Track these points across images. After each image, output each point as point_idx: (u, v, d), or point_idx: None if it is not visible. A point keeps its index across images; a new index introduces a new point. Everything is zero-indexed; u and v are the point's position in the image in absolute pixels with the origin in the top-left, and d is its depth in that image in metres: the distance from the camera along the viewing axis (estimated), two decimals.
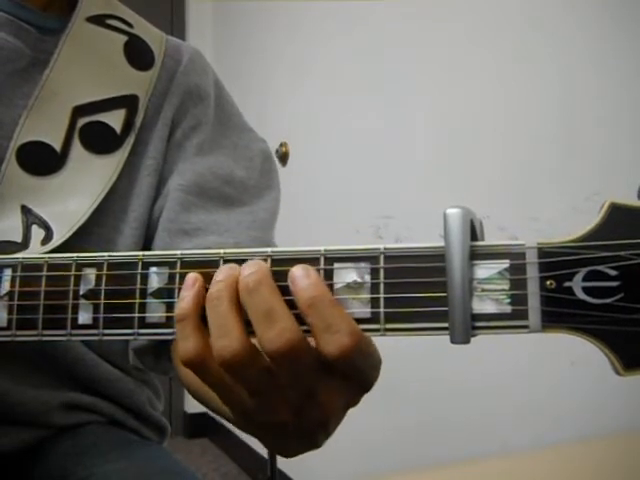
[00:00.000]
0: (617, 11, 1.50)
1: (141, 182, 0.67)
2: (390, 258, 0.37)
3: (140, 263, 0.41)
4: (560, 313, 0.34)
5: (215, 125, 0.71)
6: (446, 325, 0.35)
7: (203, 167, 0.67)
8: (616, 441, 1.37)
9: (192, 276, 0.39)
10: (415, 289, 0.36)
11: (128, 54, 0.69)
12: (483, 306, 0.35)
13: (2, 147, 0.62)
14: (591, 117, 1.54)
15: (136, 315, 0.40)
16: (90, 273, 0.42)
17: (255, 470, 2.33)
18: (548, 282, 0.34)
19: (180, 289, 0.39)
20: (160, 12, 2.89)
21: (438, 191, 1.59)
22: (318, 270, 0.37)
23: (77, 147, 0.64)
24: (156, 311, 0.40)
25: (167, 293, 0.40)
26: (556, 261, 0.34)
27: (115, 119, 0.66)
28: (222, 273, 0.37)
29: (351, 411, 0.41)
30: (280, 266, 0.38)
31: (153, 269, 0.40)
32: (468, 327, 0.35)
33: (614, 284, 0.33)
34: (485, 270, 0.35)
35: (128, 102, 0.67)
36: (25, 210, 0.61)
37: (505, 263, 0.35)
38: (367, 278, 0.37)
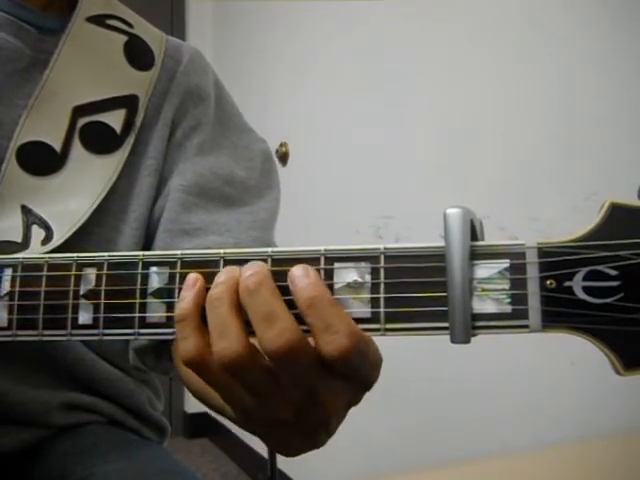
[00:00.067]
0: (617, 11, 1.50)
1: (141, 182, 0.67)
2: (390, 258, 0.37)
3: (140, 263, 0.41)
4: (560, 313, 0.34)
5: (215, 125, 0.71)
6: (446, 325, 0.35)
7: (203, 167, 0.68)
8: (616, 441, 1.37)
9: (193, 276, 0.39)
10: (415, 289, 0.36)
11: (128, 54, 0.69)
12: (483, 306, 0.35)
13: (2, 147, 0.62)
14: (591, 117, 1.54)
15: (136, 315, 0.40)
16: (90, 273, 0.42)
17: (255, 470, 2.33)
18: (548, 282, 0.34)
19: (180, 289, 0.39)
20: (160, 12, 2.89)
21: (438, 191, 1.59)
22: (318, 270, 0.37)
23: (77, 147, 0.64)
24: (156, 311, 0.40)
25: (167, 293, 0.40)
26: (556, 261, 0.34)
27: (115, 119, 0.66)
28: (223, 275, 0.37)
29: (351, 411, 0.41)
30: (280, 266, 0.38)
31: (153, 269, 0.40)
32: (468, 327, 0.35)
33: (614, 284, 0.33)
34: (485, 270, 0.35)
35: (128, 102, 0.67)
36: (25, 210, 0.61)
37: (505, 263, 0.35)
38: (367, 278, 0.37)
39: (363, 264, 0.37)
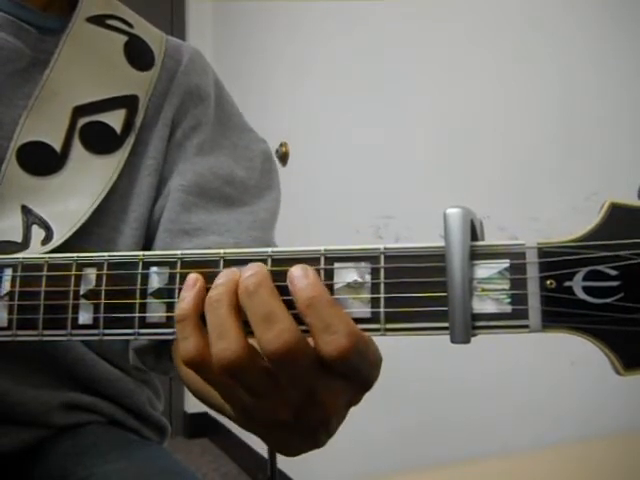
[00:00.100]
0: (617, 11, 1.50)
1: (141, 182, 0.67)
2: (390, 258, 0.37)
3: (140, 263, 0.41)
4: (560, 313, 0.34)
5: (215, 125, 0.71)
6: (446, 325, 0.35)
7: (203, 167, 0.68)
8: (616, 441, 1.38)
9: (193, 276, 0.39)
10: (415, 289, 0.36)
11: (128, 54, 0.69)
12: (483, 306, 0.35)
13: (2, 147, 0.62)
14: (591, 117, 1.54)
15: (136, 315, 0.40)
16: (90, 273, 0.42)
17: (255, 470, 2.33)
18: (548, 282, 0.34)
19: (180, 289, 0.39)
20: (160, 12, 2.89)
21: (438, 191, 1.59)
22: (318, 270, 0.37)
23: (77, 147, 0.64)
24: (156, 311, 0.40)
25: (167, 293, 0.40)
26: (556, 261, 0.34)
27: (115, 119, 0.66)
28: (223, 276, 0.37)
29: (351, 411, 0.41)
30: (280, 266, 0.38)
31: (153, 269, 0.40)
32: (468, 327, 0.35)
33: (614, 284, 0.33)
34: (485, 270, 0.35)
35: (128, 102, 0.67)
36: (25, 210, 0.61)
37: (505, 263, 0.35)
38: (367, 278, 0.37)
39: (363, 264, 0.37)
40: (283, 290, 0.37)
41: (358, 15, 1.83)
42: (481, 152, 1.62)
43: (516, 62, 1.59)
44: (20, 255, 0.44)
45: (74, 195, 0.63)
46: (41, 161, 0.63)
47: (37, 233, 0.60)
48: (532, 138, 1.58)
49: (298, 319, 0.36)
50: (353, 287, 0.37)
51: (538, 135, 1.58)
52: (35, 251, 0.57)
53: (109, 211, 0.65)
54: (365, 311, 0.37)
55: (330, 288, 0.37)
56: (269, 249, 0.38)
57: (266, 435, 0.42)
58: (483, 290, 0.35)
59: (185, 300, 0.38)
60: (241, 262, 0.39)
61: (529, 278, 0.35)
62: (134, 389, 0.70)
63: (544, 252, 0.35)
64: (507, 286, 0.35)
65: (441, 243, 0.36)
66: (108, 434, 0.68)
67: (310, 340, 0.36)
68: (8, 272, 0.44)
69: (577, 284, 0.34)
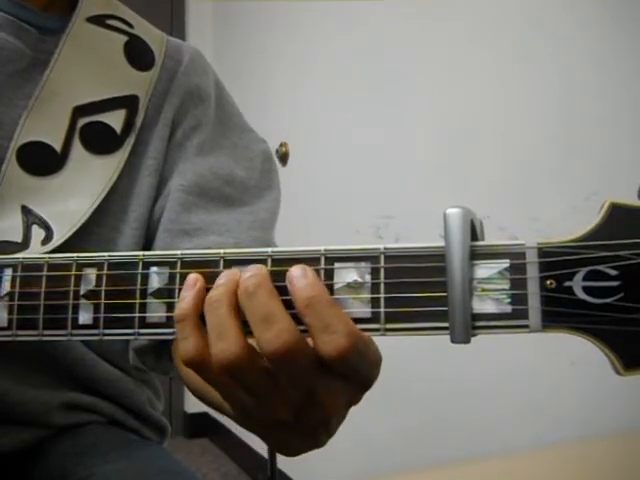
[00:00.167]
0: (617, 11, 1.50)
1: (141, 182, 0.67)
2: (390, 258, 0.37)
3: (140, 263, 0.41)
4: (560, 313, 0.34)
5: (215, 125, 0.71)
6: (446, 325, 0.35)
7: (204, 167, 0.68)
8: (616, 441, 1.38)
9: (193, 276, 0.39)
10: (415, 289, 0.36)
11: (128, 54, 0.69)
12: (483, 306, 0.35)
13: (2, 147, 0.62)
14: (591, 117, 1.54)
15: (136, 315, 0.40)
16: (90, 273, 0.42)
17: (255, 470, 2.33)
18: (548, 282, 0.34)
19: (180, 289, 0.39)
20: (160, 12, 2.89)
21: (438, 191, 1.59)
22: (318, 270, 0.37)
23: (77, 147, 0.64)
24: (156, 311, 0.40)
25: (167, 293, 0.40)
26: (556, 261, 0.34)
27: (115, 119, 0.66)
28: (223, 277, 0.38)
29: (351, 411, 0.41)
30: (280, 266, 0.38)
31: (153, 269, 0.40)
32: (468, 327, 0.35)
33: (614, 284, 0.33)
34: (485, 270, 0.35)
35: (128, 102, 0.67)
36: (25, 210, 0.61)
37: (505, 263, 0.35)
38: (367, 278, 0.37)
39: (363, 264, 0.37)
40: (283, 290, 0.37)
41: (358, 15, 1.84)
42: (481, 152, 1.62)
43: (516, 62, 1.59)
44: (20, 255, 0.44)
45: (74, 195, 0.63)
46: (41, 161, 0.63)
47: (37, 233, 0.60)
48: (532, 138, 1.58)
49: (297, 319, 0.36)
50: (353, 287, 0.37)
51: (538, 135, 1.58)
52: (35, 251, 0.57)
53: (109, 211, 0.65)
54: (365, 311, 0.37)
55: (330, 288, 0.37)
56: (269, 249, 0.38)
57: (266, 435, 0.42)
58: (483, 290, 0.35)
59: (185, 300, 0.38)
60: (241, 262, 0.39)
61: (529, 278, 0.35)
62: (134, 389, 0.70)
63: (544, 252, 0.35)
64: (507, 286, 0.35)
65: (441, 243, 0.36)
66: (108, 434, 0.68)
67: (309, 340, 0.36)
68: (8, 272, 0.44)
69: (577, 284, 0.34)
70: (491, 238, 0.36)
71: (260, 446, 2.14)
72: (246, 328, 0.37)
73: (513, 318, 0.35)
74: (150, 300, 0.40)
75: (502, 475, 1.35)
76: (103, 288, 0.41)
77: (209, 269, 0.39)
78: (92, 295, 0.41)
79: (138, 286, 0.40)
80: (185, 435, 2.91)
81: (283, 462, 1.67)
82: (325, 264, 0.37)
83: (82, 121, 0.65)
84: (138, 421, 0.72)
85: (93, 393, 0.67)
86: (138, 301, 0.40)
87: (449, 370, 1.58)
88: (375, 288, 0.37)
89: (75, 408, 0.66)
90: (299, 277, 0.36)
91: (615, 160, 1.51)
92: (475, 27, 1.63)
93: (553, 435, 1.52)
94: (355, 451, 1.64)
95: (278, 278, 0.37)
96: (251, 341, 0.37)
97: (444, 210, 0.36)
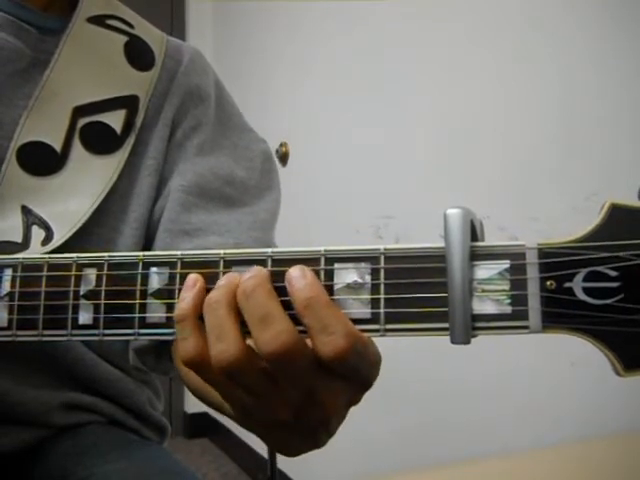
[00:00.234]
0: (617, 11, 1.50)
1: (141, 182, 0.67)
2: (390, 258, 0.37)
3: (140, 263, 0.41)
4: (560, 314, 0.34)
5: (215, 125, 0.71)
6: (446, 325, 0.35)
7: (204, 167, 0.68)
8: (616, 441, 1.38)
9: (193, 277, 0.39)
10: (415, 289, 0.36)
11: (128, 54, 0.69)
12: (483, 306, 0.35)
13: (2, 147, 0.62)
14: (591, 117, 1.54)
15: (136, 315, 0.40)
16: (90, 273, 0.42)
17: (255, 470, 2.33)
18: (548, 282, 0.34)
19: (180, 289, 0.39)
20: (160, 12, 2.89)
21: (438, 191, 1.59)
22: (318, 270, 0.37)
23: (77, 147, 0.64)
24: (156, 311, 0.40)
25: (167, 293, 0.40)
26: (556, 262, 0.34)
27: (115, 119, 0.66)
28: (223, 279, 0.38)
29: (351, 411, 0.41)
30: (280, 266, 0.38)
31: (153, 269, 0.41)
32: (468, 327, 0.35)
33: (614, 285, 0.33)
34: (485, 270, 0.35)
35: (128, 102, 0.67)
36: (25, 210, 0.61)
37: (505, 263, 0.35)
38: (367, 278, 0.37)
39: (363, 265, 0.37)
40: (283, 291, 0.37)
41: (358, 15, 1.84)
42: (481, 152, 1.62)
43: (516, 62, 1.59)
44: (20, 255, 0.44)
45: (74, 195, 0.63)
46: (41, 161, 0.63)
47: (37, 233, 0.60)
48: (532, 138, 1.58)
49: (296, 320, 0.36)
50: (353, 288, 0.37)
51: (538, 135, 1.58)
52: (35, 251, 0.57)
53: (109, 211, 0.65)
54: (365, 312, 0.37)
55: (330, 289, 0.37)
56: (269, 249, 0.38)
57: (266, 435, 0.42)
58: (483, 291, 0.35)
59: (185, 300, 0.38)
60: (241, 263, 0.39)
61: (529, 279, 0.35)
62: (134, 389, 0.70)
63: (544, 253, 0.35)
64: (507, 287, 0.35)
65: (441, 243, 0.36)
66: (108, 434, 0.68)
67: (308, 341, 0.36)
68: (8, 272, 0.44)
69: (577, 285, 0.34)
70: (491, 238, 0.36)
71: (260, 446, 2.14)
72: (245, 329, 0.37)
73: (513, 319, 0.35)
74: (150, 300, 0.40)
75: (502, 475, 1.35)
76: (103, 288, 0.41)
77: (209, 269, 0.39)
78: (92, 295, 0.41)
79: (138, 286, 0.40)
80: (185, 435, 2.91)
81: (283, 462, 1.67)
82: (325, 265, 0.37)
83: (82, 121, 0.65)
84: (138, 421, 0.72)
85: (93, 393, 0.67)
86: (138, 301, 0.40)
87: (449, 370, 1.58)
88: (375, 289, 0.37)
89: (75, 408, 0.66)
90: (298, 278, 0.36)
91: (615, 160, 1.51)
92: (475, 27, 1.63)
93: (553, 435, 1.52)
94: (355, 451, 1.64)
95: (278, 278, 0.37)
96: (250, 342, 0.37)
97: (444, 210, 0.36)
